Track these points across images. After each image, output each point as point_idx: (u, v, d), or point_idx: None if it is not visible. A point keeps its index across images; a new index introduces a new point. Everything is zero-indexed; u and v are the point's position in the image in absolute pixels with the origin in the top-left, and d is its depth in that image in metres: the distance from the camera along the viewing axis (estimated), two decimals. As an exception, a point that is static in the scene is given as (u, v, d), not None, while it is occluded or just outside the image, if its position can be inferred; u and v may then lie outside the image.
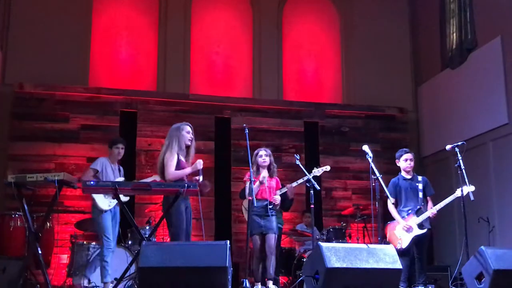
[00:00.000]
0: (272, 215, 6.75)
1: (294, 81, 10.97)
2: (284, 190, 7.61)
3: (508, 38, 8.85)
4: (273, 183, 6.89)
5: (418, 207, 6.91)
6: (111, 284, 6.60)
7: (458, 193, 6.72)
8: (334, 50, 11.27)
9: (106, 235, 6.78)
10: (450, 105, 10.12)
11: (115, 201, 6.83)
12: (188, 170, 5.97)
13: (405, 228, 6.81)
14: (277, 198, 6.88)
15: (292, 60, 11.01)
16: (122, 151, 7.20)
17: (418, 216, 6.83)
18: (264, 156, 6.87)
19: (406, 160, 7.07)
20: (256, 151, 6.94)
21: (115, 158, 7.18)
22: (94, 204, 6.81)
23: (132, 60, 10.34)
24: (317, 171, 7.52)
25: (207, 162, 9.64)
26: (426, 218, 6.84)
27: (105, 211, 6.80)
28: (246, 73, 10.76)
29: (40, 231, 5.70)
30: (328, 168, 7.75)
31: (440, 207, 6.84)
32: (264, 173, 6.84)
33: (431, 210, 6.84)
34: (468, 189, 6.49)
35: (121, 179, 7.09)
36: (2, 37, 9.46)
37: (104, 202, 6.78)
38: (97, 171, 6.95)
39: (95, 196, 6.74)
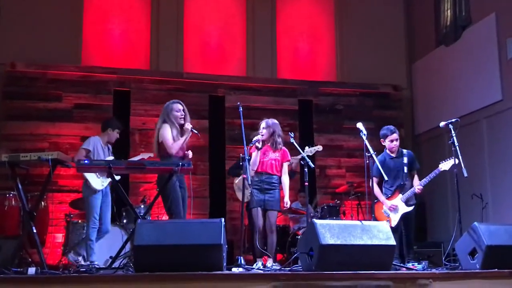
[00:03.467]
0: (274, 189, 6.69)
1: (288, 59, 10.93)
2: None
3: (503, 14, 8.82)
4: (276, 155, 6.77)
5: (403, 183, 6.90)
6: (97, 263, 6.62)
7: (441, 167, 6.75)
8: (328, 27, 11.21)
9: (95, 215, 6.81)
10: (444, 82, 10.12)
11: (108, 181, 6.84)
12: (183, 138, 6.11)
13: (391, 209, 6.84)
14: (287, 203, 6.83)
15: (286, 38, 10.95)
16: (118, 136, 7.27)
17: (403, 193, 6.84)
18: (261, 129, 6.81)
19: (391, 141, 6.99)
20: (259, 124, 6.92)
21: (109, 140, 7.20)
22: (86, 184, 6.82)
23: (125, 38, 10.27)
24: (309, 151, 7.49)
25: (201, 141, 9.66)
26: (412, 194, 6.85)
27: (98, 191, 6.82)
28: (240, 51, 10.71)
29: (35, 210, 5.69)
30: (320, 148, 7.80)
31: (425, 183, 6.84)
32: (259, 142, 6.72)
33: (416, 186, 6.83)
34: (451, 162, 6.53)
35: (111, 158, 7.07)
36: (-7, 15, 9.38)
37: (97, 181, 6.79)
38: (89, 150, 6.95)
39: (87, 175, 6.75)
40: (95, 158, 6.84)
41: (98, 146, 7.03)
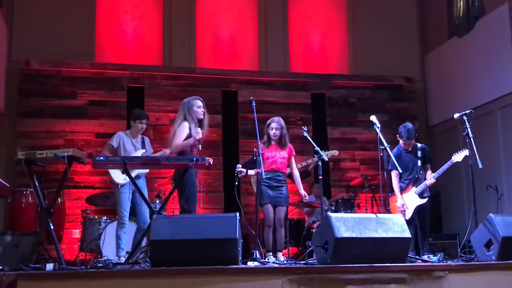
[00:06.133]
0: (283, 186, 6.76)
1: (300, 53, 10.91)
2: (308, 162, 7.82)
3: (516, 4, 8.76)
4: (285, 153, 6.84)
5: (417, 176, 6.93)
6: (123, 258, 6.69)
7: (454, 158, 6.78)
8: (340, 20, 11.18)
9: (121, 210, 6.86)
10: (457, 74, 10.06)
11: (133, 175, 6.85)
12: (191, 140, 5.99)
13: (401, 207, 6.86)
14: (305, 195, 6.96)
15: (298, 32, 10.93)
16: (145, 126, 7.25)
17: (417, 186, 6.87)
18: (275, 129, 6.83)
19: (405, 144, 7.04)
20: (267, 123, 6.92)
21: (137, 133, 7.20)
22: (111, 179, 6.86)
23: (138, 35, 10.31)
24: (325, 155, 7.57)
25: (215, 136, 9.69)
26: (425, 187, 6.87)
27: (122, 185, 6.85)
28: (252, 45, 10.71)
29: (52, 207, 5.75)
30: (336, 152, 7.93)
31: (437, 175, 6.87)
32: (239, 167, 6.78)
33: (429, 179, 6.86)
34: (463, 154, 6.57)
35: (142, 151, 7.08)
36: (7, 14, 9.43)
37: (119, 176, 6.83)
38: (113, 146, 6.98)
39: (110, 171, 6.80)
40: (122, 153, 6.90)
41: (125, 141, 7.05)
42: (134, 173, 6.88)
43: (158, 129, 9.55)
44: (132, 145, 7.09)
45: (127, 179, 6.81)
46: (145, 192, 7.02)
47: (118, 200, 6.88)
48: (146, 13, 10.38)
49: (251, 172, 6.69)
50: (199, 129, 6.01)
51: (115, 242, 7.09)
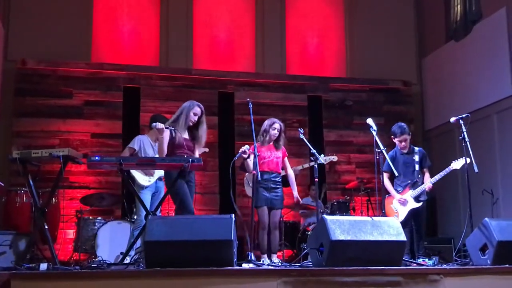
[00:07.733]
0: (279, 187, 6.76)
1: (297, 55, 10.91)
2: (304, 166, 7.81)
3: (513, 9, 8.77)
4: (279, 153, 6.87)
5: (415, 180, 6.92)
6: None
7: (453, 166, 6.78)
8: (338, 23, 11.18)
9: (140, 212, 6.77)
10: (454, 78, 10.07)
11: (155, 177, 6.86)
12: (164, 138, 5.88)
13: (400, 201, 6.85)
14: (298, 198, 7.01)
15: (295, 34, 10.94)
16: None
17: (414, 189, 6.86)
18: (277, 130, 6.85)
19: (400, 141, 7.02)
20: (271, 121, 6.90)
21: (158, 137, 7.11)
22: (134, 181, 6.78)
23: (135, 35, 10.29)
24: (323, 159, 7.57)
25: (211, 137, 9.65)
26: (423, 191, 6.87)
27: (145, 187, 6.81)
28: (249, 47, 10.71)
29: (46, 206, 5.73)
30: (335, 158, 7.93)
31: (435, 180, 6.86)
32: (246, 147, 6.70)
33: (427, 183, 6.85)
34: (462, 161, 6.57)
35: None
36: (4, 13, 9.41)
37: (143, 178, 6.80)
38: (134, 149, 6.94)
39: (134, 172, 6.75)
40: (143, 156, 6.84)
41: (146, 144, 7.01)
42: (157, 175, 6.90)
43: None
44: (152, 148, 7.06)
45: (151, 181, 6.84)
46: (163, 193, 6.95)
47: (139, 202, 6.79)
48: (143, 14, 10.37)
49: (250, 164, 6.58)
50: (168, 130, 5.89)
51: (109, 243, 7.06)
